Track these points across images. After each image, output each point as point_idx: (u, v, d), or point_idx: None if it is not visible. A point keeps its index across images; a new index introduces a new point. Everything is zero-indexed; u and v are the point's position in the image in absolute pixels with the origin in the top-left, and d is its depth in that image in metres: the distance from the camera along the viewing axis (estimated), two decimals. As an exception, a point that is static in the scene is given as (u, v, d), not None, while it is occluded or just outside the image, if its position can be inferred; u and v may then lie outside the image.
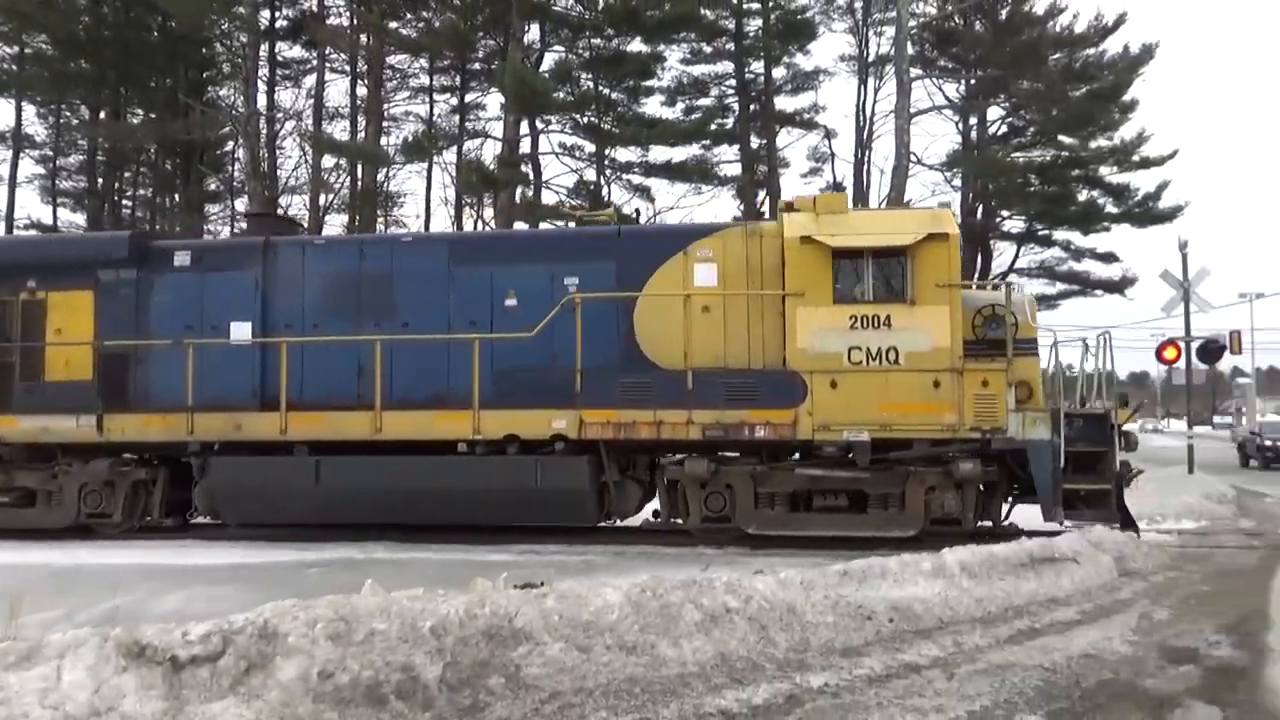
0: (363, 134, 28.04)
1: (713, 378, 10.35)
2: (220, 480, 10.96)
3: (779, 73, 29.56)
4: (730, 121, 29.18)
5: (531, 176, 25.64)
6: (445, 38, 23.87)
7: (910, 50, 25.71)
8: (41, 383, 11.50)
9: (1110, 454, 10.11)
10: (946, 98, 30.43)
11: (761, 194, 28.15)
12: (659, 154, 26.58)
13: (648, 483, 10.92)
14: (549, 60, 26.26)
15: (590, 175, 26.93)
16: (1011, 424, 9.91)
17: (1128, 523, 10.04)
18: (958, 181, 30.24)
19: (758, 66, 28.75)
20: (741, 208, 27.05)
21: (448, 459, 10.66)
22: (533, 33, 26.26)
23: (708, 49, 28.66)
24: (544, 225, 14.57)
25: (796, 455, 10.60)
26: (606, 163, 26.77)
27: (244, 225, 16.13)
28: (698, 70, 29.25)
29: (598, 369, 10.50)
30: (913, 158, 25.90)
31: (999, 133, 31.21)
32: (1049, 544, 7.93)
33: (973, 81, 30.07)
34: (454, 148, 27.41)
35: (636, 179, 27.49)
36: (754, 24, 28.44)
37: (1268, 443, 29.34)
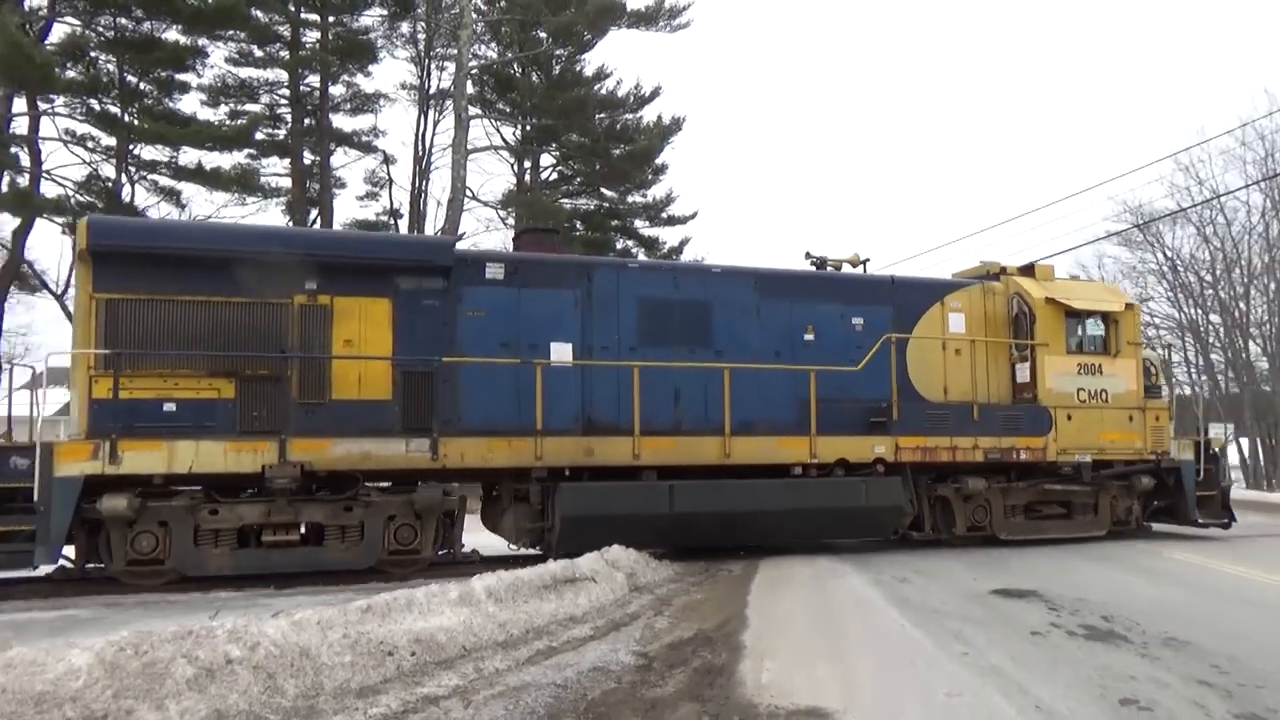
0: None
1: (992, 410, 12.60)
2: (571, 507, 10.36)
3: (337, 90, 28.59)
4: (282, 133, 27.52)
5: (27, 163, 21.69)
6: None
7: (470, 89, 26.43)
8: (327, 401, 10.06)
9: (1216, 468, 13.89)
10: (504, 139, 31.83)
11: (314, 212, 26.85)
12: (194, 157, 24.03)
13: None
14: (59, 32, 22.52)
15: (108, 171, 23.54)
16: (1173, 449, 13.45)
17: (1231, 518, 13.89)
18: (511, 220, 31.63)
19: (315, 80, 27.50)
20: (291, 223, 25.50)
21: (791, 481, 11.47)
22: (39, -2, 22.37)
23: (259, 52, 26.75)
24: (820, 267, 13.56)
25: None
26: (129, 160, 23.56)
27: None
28: (246, 73, 27.20)
29: (903, 401, 12.14)
30: (468, 193, 26.60)
31: (550, 179, 33.29)
32: (570, 565, 8.36)
33: (528, 128, 31.76)
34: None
35: (165, 181, 24.52)
36: (312, 35, 27.23)
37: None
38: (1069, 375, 12.95)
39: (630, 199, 32.53)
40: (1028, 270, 13.65)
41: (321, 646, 5.73)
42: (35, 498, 8.81)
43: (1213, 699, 5.46)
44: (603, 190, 32.31)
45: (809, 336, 12.10)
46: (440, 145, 29.35)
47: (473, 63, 26.39)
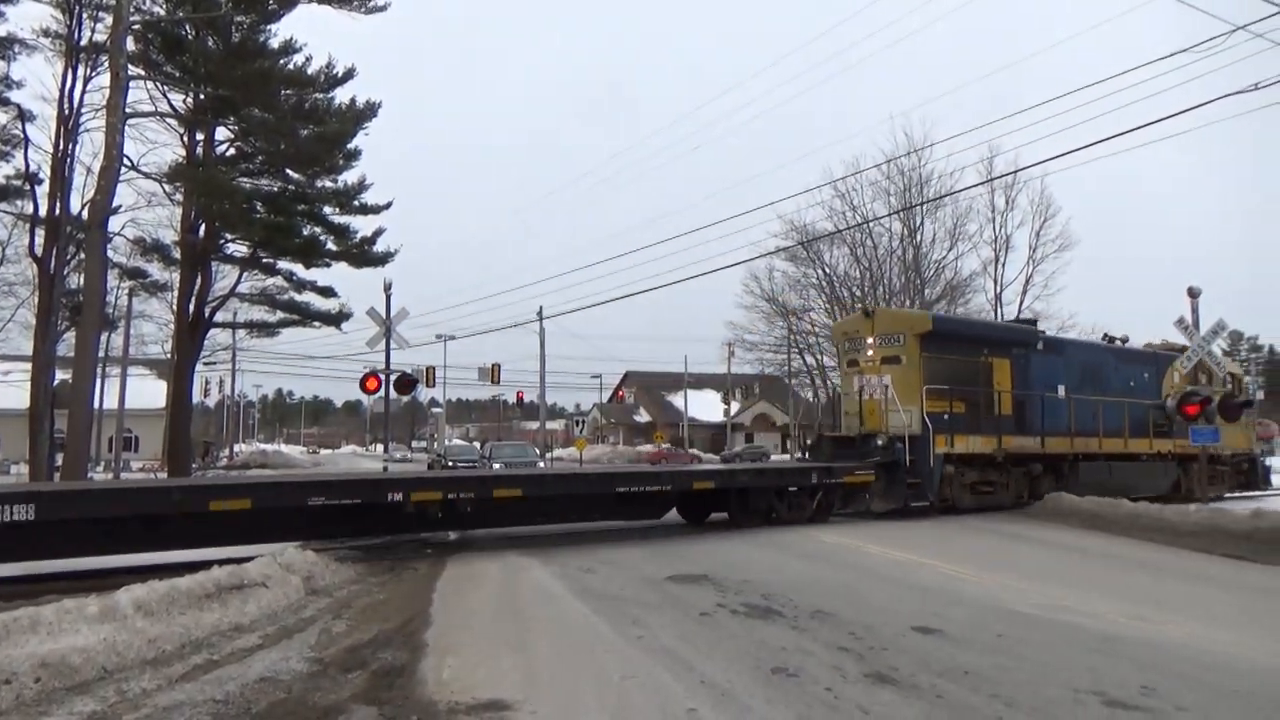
0: None
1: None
2: (1086, 477, 19.07)
3: (-46, 28, 24.21)
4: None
5: None
6: None
7: (131, 46, 23.53)
8: (993, 416, 18.10)
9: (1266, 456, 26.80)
10: (172, 106, 28.55)
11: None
12: None
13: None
14: None
15: None
16: (1256, 447, 25.29)
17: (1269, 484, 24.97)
18: (179, 196, 28.62)
19: (-77, 12, 23.11)
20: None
21: (1141, 464, 20.85)
22: None
23: None
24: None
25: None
26: None
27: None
28: None
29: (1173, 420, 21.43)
30: (127, 161, 23.59)
31: (227, 154, 30.46)
32: (238, 571, 7.69)
33: (201, 96, 28.80)
34: None
35: None
36: (-79, -42, 22.86)
37: (450, 463, 33.77)
38: None
39: (319, 183, 30.61)
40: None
41: (-91, 682, 4.80)
42: (930, 464, 16.41)
43: (848, 662, 6.16)
44: (288, 172, 30.13)
45: (1132, 383, 21.53)
46: (92, 105, 25.77)
47: (134, 17, 23.48)
